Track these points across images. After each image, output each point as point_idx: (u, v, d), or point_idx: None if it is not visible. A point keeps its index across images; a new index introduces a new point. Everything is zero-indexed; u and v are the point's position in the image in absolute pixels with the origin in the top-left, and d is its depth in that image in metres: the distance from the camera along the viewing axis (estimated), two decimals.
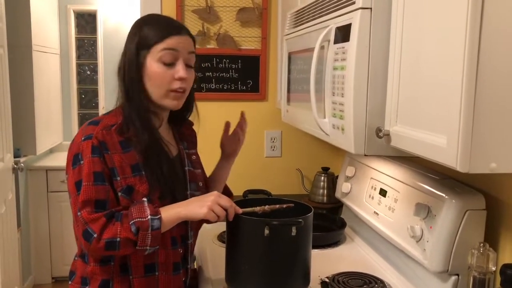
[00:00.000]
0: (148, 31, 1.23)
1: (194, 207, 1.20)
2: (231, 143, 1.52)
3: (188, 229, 1.34)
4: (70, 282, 1.29)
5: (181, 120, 1.41)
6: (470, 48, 0.81)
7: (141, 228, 1.14)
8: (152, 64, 1.22)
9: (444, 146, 0.88)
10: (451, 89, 0.86)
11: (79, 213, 1.15)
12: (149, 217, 1.15)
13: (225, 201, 1.21)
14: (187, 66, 1.26)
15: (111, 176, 1.18)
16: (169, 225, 1.20)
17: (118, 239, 1.13)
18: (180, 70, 1.22)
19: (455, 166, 0.85)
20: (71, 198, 1.19)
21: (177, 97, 1.25)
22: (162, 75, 1.22)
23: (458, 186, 1.33)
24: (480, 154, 0.84)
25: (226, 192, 1.56)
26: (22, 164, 2.97)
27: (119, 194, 1.18)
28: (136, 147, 1.21)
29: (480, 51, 0.81)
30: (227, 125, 1.54)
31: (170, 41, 1.21)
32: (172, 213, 1.19)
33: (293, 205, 1.35)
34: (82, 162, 1.17)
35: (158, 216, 1.16)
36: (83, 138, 1.19)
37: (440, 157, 0.90)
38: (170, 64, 1.22)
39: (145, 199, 1.19)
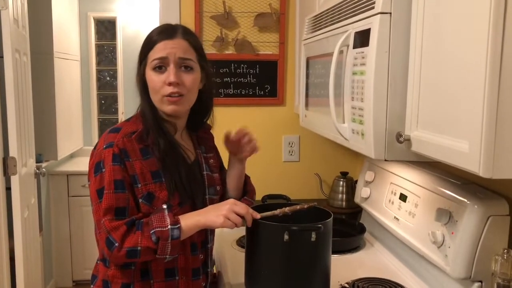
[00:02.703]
0: (145, 41, 1.27)
1: (211, 215, 1.21)
2: (239, 149, 1.42)
3: (208, 234, 1.35)
4: (92, 286, 1.31)
5: (198, 125, 1.41)
6: (492, 51, 0.80)
7: (161, 238, 1.15)
8: (149, 72, 1.25)
9: (466, 151, 0.87)
10: (473, 93, 0.85)
11: (102, 221, 1.17)
12: (169, 226, 1.16)
13: (241, 208, 1.22)
14: (184, 68, 1.24)
15: (132, 183, 1.20)
16: (189, 234, 1.21)
17: (139, 248, 1.15)
18: (170, 75, 1.22)
19: (478, 171, 0.84)
20: (93, 205, 1.21)
21: (172, 101, 1.23)
22: (155, 82, 1.23)
23: (481, 191, 1.31)
24: (503, 159, 0.82)
25: (247, 189, 1.48)
26: (44, 169, 3.03)
27: (140, 200, 1.20)
28: (155, 153, 1.23)
29: (503, 53, 0.80)
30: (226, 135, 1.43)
31: (159, 48, 1.22)
32: (191, 221, 1.20)
33: (315, 203, 1.34)
34: (103, 170, 1.19)
35: (177, 226, 1.17)
36: (104, 146, 1.20)
37: (462, 162, 0.89)
38: (162, 70, 1.23)
39: (165, 206, 1.20)
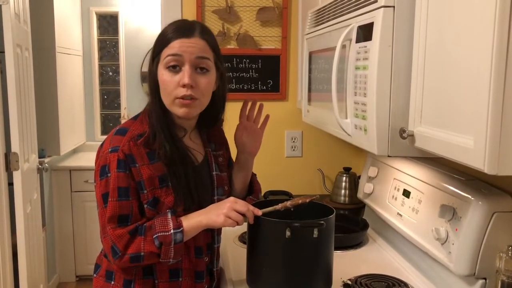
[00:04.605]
0: (159, 37, 1.20)
1: (212, 215, 1.20)
2: (251, 140, 1.40)
3: (214, 235, 1.34)
4: (94, 275, 1.31)
5: (210, 124, 1.36)
6: (498, 44, 0.78)
7: (164, 243, 1.15)
8: (161, 71, 1.18)
9: (471, 147, 0.86)
10: (479, 88, 0.83)
11: (106, 228, 1.16)
12: (172, 231, 1.15)
13: (241, 205, 1.20)
14: (200, 70, 1.19)
15: (138, 190, 1.18)
16: (192, 235, 1.20)
17: (142, 253, 1.15)
18: (184, 76, 1.15)
19: (483, 168, 0.82)
20: (98, 208, 1.20)
21: (185, 104, 1.17)
22: (168, 82, 1.16)
23: (485, 187, 1.29)
24: (509, 155, 0.81)
25: (254, 189, 1.46)
26: (46, 165, 3.03)
27: (145, 206, 1.19)
28: (161, 158, 1.19)
29: (509, 47, 0.78)
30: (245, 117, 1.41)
31: (174, 46, 1.15)
32: (194, 222, 1.19)
33: (317, 196, 1.32)
34: (109, 174, 1.17)
35: (180, 229, 1.16)
36: (110, 150, 1.17)
37: (466, 158, 0.87)
38: (176, 70, 1.17)
39: (168, 211, 1.19)
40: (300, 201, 1.29)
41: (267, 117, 1.42)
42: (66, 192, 3.57)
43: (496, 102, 0.79)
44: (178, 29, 1.18)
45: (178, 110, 1.19)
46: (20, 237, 2.40)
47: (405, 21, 1.09)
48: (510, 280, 1.12)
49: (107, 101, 4.30)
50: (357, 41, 1.24)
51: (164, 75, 1.17)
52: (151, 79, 1.22)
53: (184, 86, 1.16)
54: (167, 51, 1.17)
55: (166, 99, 1.20)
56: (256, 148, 1.42)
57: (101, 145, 1.22)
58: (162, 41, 1.19)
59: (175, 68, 1.16)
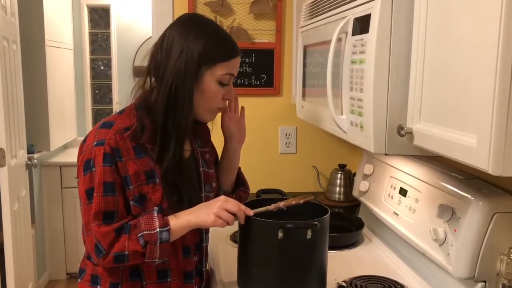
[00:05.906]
0: (214, 46, 1.18)
1: (201, 214, 1.16)
2: (238, 129, 1.41)
3: (202, 234, 1.30)
4: (79, 280, 1.26)
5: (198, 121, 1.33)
6: (505, 35, 0.73)
7: (150, 242, 1.11)
8: (211, 81, 1.19)
9: (474, 147, 0.81)
10: (483, 83, 0.78)
11: (91, 224, 1.12)
12: (157, 229, 1.11)
13: (232, 205, 1.16)
14: None
15: (124, 186, 1.13)
16: (179, 234, 1.16)
17: (126, 252, 1.11)
18: (231, 91, 1.25)
19: (487, 168, 0.78)
20: (81, 205, 1.15)
21: (218, 112, 1.28)
22: (216, 94, 1.22)
23: (485, 186, 1.25)
24: None
25: (242, 180, 1.47)
26: (35, 160, 2.97)
27: (131, 203, 1.14)
28: (153, 158, 1.16)
29: None
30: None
31: (233, 64, 1.22)
32: (182, 221, 1.15)
33: (312, 197, 1.29)
34: (94, 169, 1.12)
35: (167, 228, 1.12)
36: (95, 143, 1.13)
37: (469, 158, 0.82)
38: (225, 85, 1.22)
39: (155, 208, 1.15)
40: (293, 202, 1.25)
41: (243, 108, 1.44)
42: (56, 189, 3.52)
43: (502, 98, 0.74)
44: (233, 47, 1.22)
45: (209, 117, 1.27)
46: (7, 235, 2.34)
47: (404, 12, 1.04)
48: (511, 283, 1.08)
49: (98, 96, 4.24)
50: (353, 33, 1.19)
51: (214, 86, 1.20)
52: (191, 80, 1.16)
53: (226, 99, 1.26)
54: (225, 68, 1.19)
55: (205, 107, 1.22)
56: (243, 136, 1.42)
57: (84, 140, 1.18)
58: (219, 54, 1.18)
59: (226, 84, 1.22)
